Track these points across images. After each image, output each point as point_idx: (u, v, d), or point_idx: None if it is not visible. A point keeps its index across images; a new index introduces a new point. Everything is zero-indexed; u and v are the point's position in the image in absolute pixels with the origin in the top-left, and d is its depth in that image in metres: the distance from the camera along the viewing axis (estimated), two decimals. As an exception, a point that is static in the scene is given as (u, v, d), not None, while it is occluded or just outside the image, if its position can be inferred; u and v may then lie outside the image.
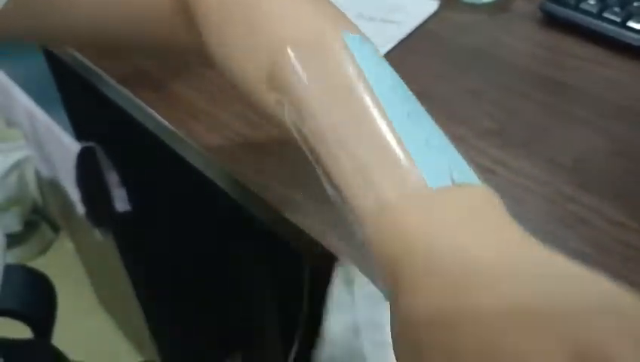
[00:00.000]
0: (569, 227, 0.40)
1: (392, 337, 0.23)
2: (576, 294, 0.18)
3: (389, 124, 0.26)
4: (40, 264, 1.62)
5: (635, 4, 0.57)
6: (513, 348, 0.17)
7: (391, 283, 0.23)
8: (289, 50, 0.29)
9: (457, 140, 0.47)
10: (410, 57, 0.58)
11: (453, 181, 0.24)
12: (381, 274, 0.24)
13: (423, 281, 0.21)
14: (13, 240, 1.62)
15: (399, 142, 0.25)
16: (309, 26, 0.29)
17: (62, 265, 1.58)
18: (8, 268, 0.66)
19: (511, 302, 0.18)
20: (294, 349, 0.93)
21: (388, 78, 0.28)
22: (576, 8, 0.58)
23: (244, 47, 0.31)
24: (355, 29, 0.31)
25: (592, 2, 0.58)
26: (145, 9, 0.37)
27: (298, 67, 0.28)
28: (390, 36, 0.60)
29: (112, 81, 0.59)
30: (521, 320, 0.18)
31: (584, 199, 0.41)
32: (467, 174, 0.25)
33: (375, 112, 0.26)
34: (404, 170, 0.24)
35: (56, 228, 1.72)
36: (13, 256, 1.62)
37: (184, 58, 0.55)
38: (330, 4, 0.32)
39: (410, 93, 0.29)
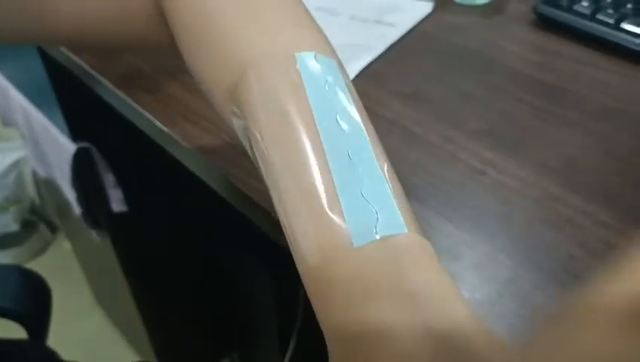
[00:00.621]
0: (557, 228, 0.40)
1: None
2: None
3: (324, 168, 0.26)
4: (38, 264, 1.63)
5: (629, 5, 0.57)
6: None
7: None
8: (246, 72, 0.28)
9: (447, 141, 0.47)
10: (403, 58, 0.58)
11: (377, 234, 0.24)
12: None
13: (334, 347, 0.24)
14: (10, 240, 1.62)
15: (332, 192, 0.25)
16: (270, 47, 0.29)
17: (60, 265, 1.58)
18: (3, 268, 0.66)
19: None
20: (291, 349, 0.93)
21: (336, 108, 0.27)
22: (570, 10, 0.59)
23: (209, 62, 0.31)
24: (321, 47, 0.30)
25: (585, 4, 0.58)
26: (122, 8, 0.37)
27: (250, 90, 0.28)
28: (384, 37, 0.60)
29: (108, 83, 0.59)
30: None
31: (572, 200, 0.41)
32: (394, 223, 0.25)
33: (310, 152, 0.26)
34: (331, 228, 0.25)
35: (53, 229, 1.72)
36: (11, 256, 1.62)
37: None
38: (297, 21, 0.31)
39: (359, 125, 0.27)
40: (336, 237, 0.24)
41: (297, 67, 0.28)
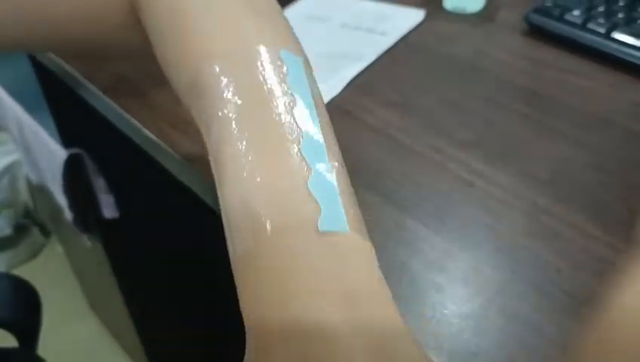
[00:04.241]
0: (543, 240, 0.40)
1: None
2: None
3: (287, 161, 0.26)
4: (30, 268, 1.62)
5: (620, 15, 0.57)
6: None
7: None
8: (207, 65, 0.29)
9: (436, 151, 0.47)
10: (393, 67, 0.58)
11: (318, 227, 0.24)
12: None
13: (256, 344, 0.23)
14: (3, 243, 1.62)
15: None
16: (236, 42, 0.29)
17: (52, 269, 1.58)
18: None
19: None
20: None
21: (294, 104, 0.28)
22: (561, 19, 0.59)
23: (175, 55, 0.31)
24: (289, 44, 0.30)
25: (576, 13, 0.58)
26: (96, 9, 0.37)
27: (214, 81, 0.28)
28: (375, 46, 0.60)
29: (96, 90, 0.58)
30: None
31: (559, 212, 0.41)
32: (337, 220, 0.25)
33: (274, 140, 0.27)
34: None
35: (46, 233, 1.71)
36: (4, 260, 1.62)
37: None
38: (264, 17, 0.31)
39: (313, 123, 0.28)
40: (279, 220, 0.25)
41: (258, 63, 0.28)
